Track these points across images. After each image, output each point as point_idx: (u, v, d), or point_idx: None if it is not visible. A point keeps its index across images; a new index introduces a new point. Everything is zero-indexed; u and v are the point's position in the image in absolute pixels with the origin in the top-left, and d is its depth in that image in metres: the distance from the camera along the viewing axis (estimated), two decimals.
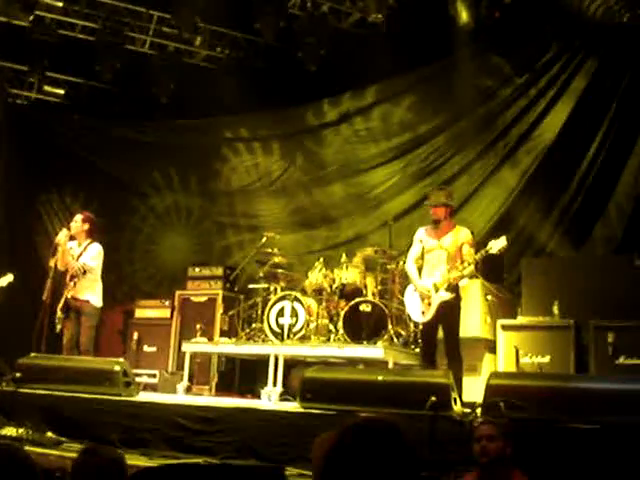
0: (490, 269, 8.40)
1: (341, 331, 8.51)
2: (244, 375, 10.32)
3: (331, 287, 9.06)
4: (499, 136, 9.87)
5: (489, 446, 4.44)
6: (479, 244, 7.11)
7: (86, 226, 8.37)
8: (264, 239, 9.73)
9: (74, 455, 5.73)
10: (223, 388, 9.98)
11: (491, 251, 6.72)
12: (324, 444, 2.22)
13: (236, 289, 10.77)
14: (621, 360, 7.24)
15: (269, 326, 8.95)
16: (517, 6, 9.46)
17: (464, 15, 8.97)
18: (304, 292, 9.22)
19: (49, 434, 6.48)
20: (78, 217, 8.47)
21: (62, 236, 8.16)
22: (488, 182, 9.90)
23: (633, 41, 8.48)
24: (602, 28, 8.50)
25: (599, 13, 8.10)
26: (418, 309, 7.03)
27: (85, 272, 8.17)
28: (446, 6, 9.07)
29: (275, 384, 8.30)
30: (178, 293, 10.88)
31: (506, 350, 7.82)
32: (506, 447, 4.45)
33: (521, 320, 8.01)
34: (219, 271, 10.82)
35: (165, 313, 10.86)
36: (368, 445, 1.93)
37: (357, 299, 8.64)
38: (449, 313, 6.90)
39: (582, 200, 9.07)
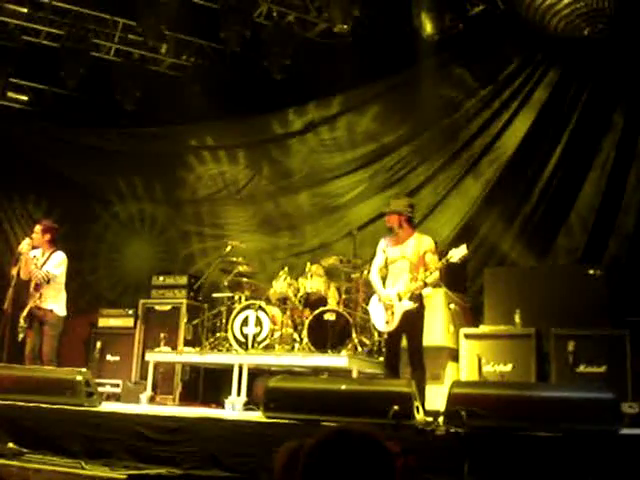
0: (453, 278, 8.49)
1: (305, 340, 8.52)
2: (208, 384, 10.29)
3: (295, 296, 9.07)
4: (463, 147, 9.96)
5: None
6: (442, 253, 7.16)
7: (47, 237, 8.31)
8: (229, 248, 9.73)
9: (36, 466, 5.74)
10: (187, 398, 9.94)
11: (452, 260, 6.76)
12: (285, 454, 2.22)
13: (200, 298, 10.73)
14: (581, 368, 7.35)
15: (233, 335, 8.93)
16: (480, 19, 9.60)
17: (428, 27, 9.03)
18: (268, 301, 9.22)
19: (10, 445, 6.38)
20: (38, 228, 8.39)
21: (24, 245, 8.09)
22: (452, 192, 9.99)
23: (593, 54, 8.62)
24: (563, 41, 8.63)
25: (560, 27, 8.20)
26: (382, 319, 7.06)
27: (49, 280, 8.10)
28: (411, 17, 9.14)
29: (239, 393, 8.29)
30: (142, 302, 10.82)
31: (469, 359, 7.89)
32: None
33: (483, 329, 8.09)
34: (183, 280, 10.79)
35: (129, 322, 10.78)
36: (348, 454, 1.93)
37: (321, 308, 8.66)
38: (413, 322, 6.93)
39: (544, 211, 9.20)
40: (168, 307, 10.63)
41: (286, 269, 9.36)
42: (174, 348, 9.65)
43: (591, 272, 7.84)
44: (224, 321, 9.31)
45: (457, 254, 6.74)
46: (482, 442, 5.03)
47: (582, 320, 7.50)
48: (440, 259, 6.92)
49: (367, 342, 8.67)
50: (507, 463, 4.93)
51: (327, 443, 1.96)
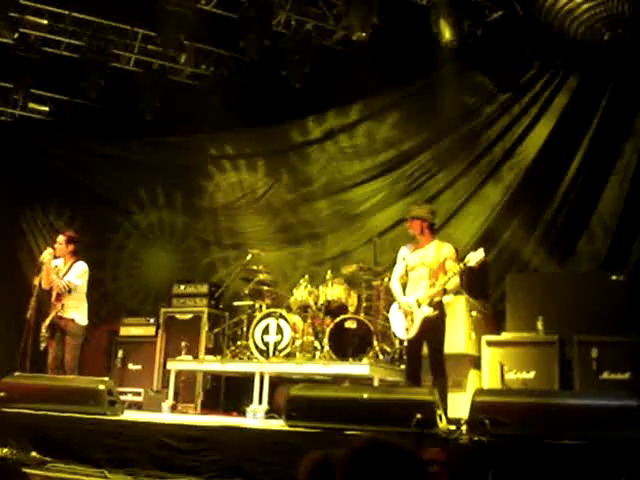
0: (475, 285, 8.45)
1: (326, 348, 8.50)
2: (229, 393, 10.30)
3: (316, 304, 9.05)
4: (483, 153, 9.92)
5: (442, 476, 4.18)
6: (461, 259, 7.12)
7: (70, 247, 8.34)
8: (249, 256, 9.73)
9: (59, 475, 5.76)
10: (208, 406, 9.95)
11: (469, 264, 6.70)
12: (309, 464, 2.20)
13: (221, 306, 10.74)
14: (605, 375, 7.28)
15: (254, 343, 8.93)
16: (499, 24, 9.57)
17: (447, 33, 9.02)
18: (289, 309, 9.22)
19: (33, 454, 6.41)
20: (61, 238, 8.40)
21: (46, 255, 8.13)
22: (472, 198, 9.94)
23: (613, 59, 8.57)
24: (583, 46, 8.58)
25: (580, 31, 8.17)
26: (402, 326, 7.02)
27: (70, 290, 8.13)
28: (429, 24, 9.13)
29: (261, 402, 8.29)
30: (163, 311, 10.85)
31: (491, 366, 7.84)
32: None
33: (505, 336, 8.04)
34: (204, 288, 10.81)
35: (150, 331, 10.82)
36: (384, 466, 1.91)
37: (342, 316, 8.64)
38: (433, 329, 6.88)
39: (565, 216, 9.12)
40: (189, 315, 10.65)
41: (307, 277, 9.35)
42: (195, 356, 9.67)
43: (614, 278, 7.77)
44: (245, 329, 9.32)
45: (474, 258, 6.69)
46: (506, 450, 5.00)
47: (605, 326, 7.43)
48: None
49: (388, 350, 8.64)
50: (531, 472, 4.89)
51: (364, 454, 1.95)
